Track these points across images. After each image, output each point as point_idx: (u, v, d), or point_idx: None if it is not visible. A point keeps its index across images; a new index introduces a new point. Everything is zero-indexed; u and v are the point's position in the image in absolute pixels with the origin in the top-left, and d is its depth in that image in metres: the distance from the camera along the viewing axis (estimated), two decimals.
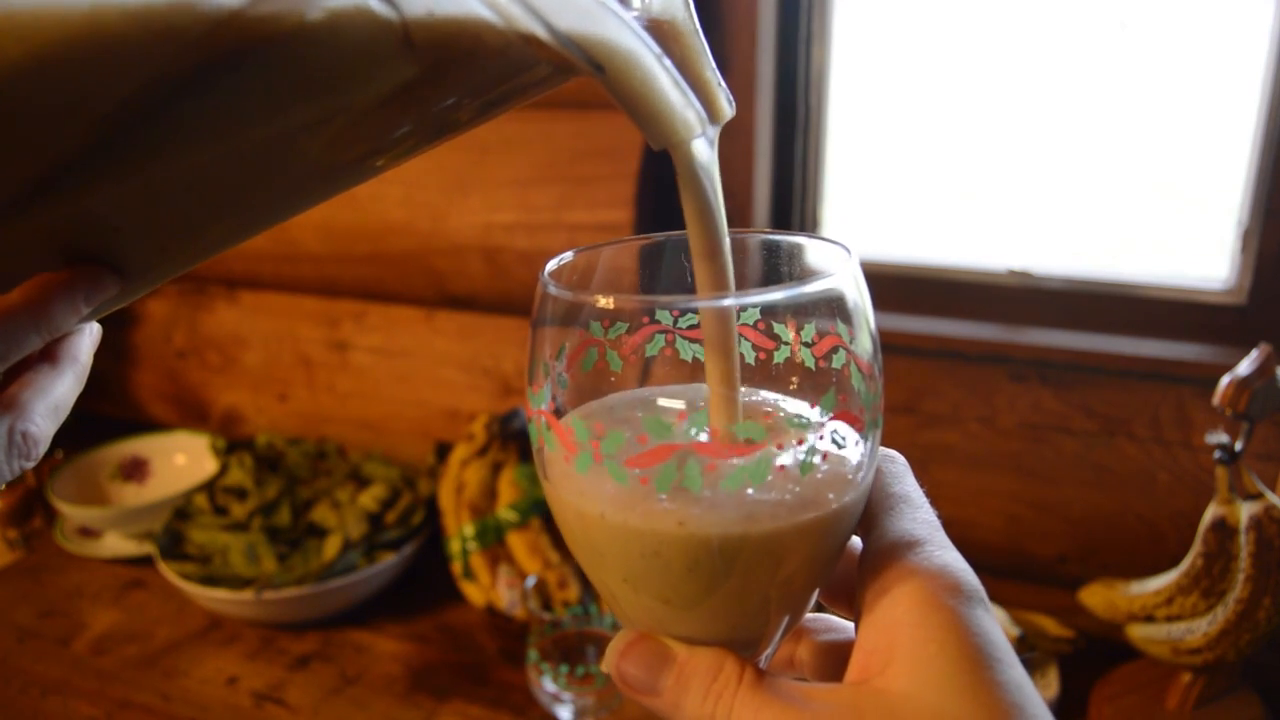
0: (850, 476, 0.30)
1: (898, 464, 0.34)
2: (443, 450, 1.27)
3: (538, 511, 1.12)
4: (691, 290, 0.33)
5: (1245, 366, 0.82)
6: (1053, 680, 0.92)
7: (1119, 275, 1.10)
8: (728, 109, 0.33)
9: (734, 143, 1.16)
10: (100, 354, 0.40)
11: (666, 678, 0.31)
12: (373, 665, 1.03)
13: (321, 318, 1.42)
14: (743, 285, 0.35)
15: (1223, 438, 0.84)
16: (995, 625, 0.28)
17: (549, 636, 0.93)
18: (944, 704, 0.26)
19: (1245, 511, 0.83)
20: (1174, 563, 0.90)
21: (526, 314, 1.28)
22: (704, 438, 0.28)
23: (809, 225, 1.23)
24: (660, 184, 1.15)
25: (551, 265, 0.33)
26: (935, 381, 1.12)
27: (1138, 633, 0.89)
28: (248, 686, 1.00)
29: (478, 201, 1.24)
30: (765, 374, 0.35)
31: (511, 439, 1.18)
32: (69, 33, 0.25)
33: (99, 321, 0.39)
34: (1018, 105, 1.18)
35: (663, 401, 0.30)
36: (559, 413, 0.32)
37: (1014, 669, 0.27)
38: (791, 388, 0.34)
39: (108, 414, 1.64)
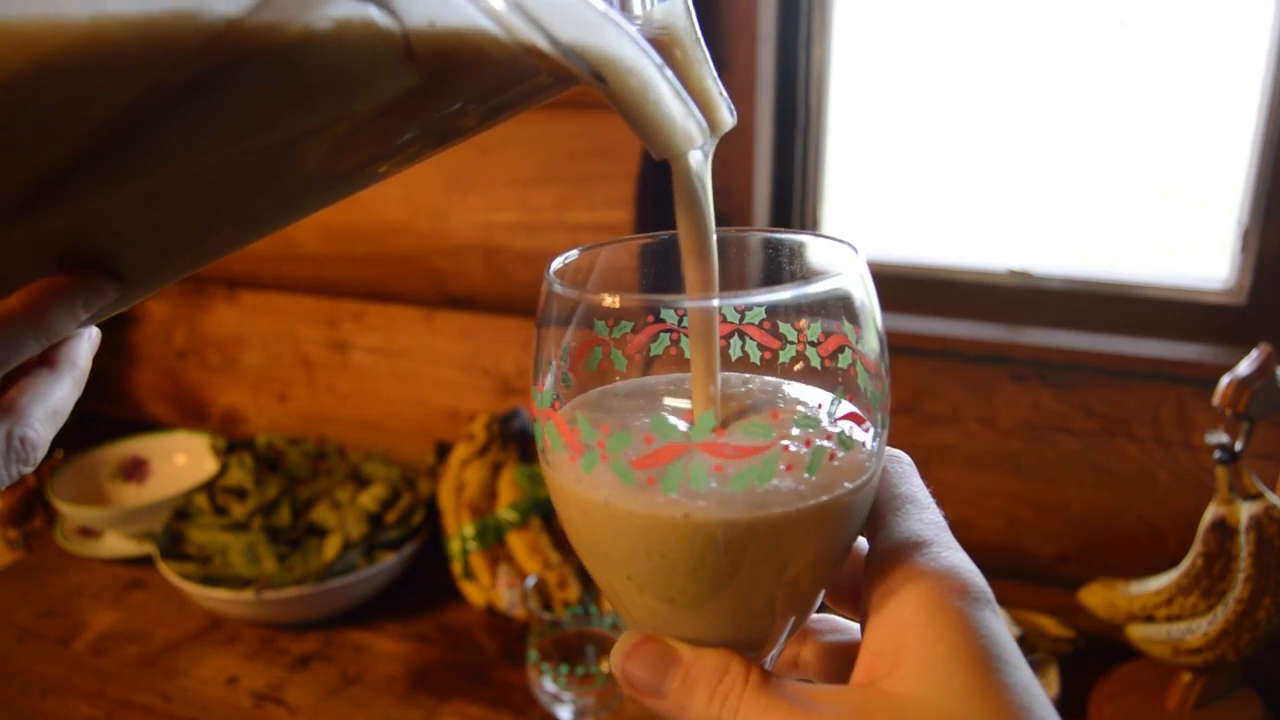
0: (857, 476, 0.30)
1: (904, 464, 0.34)
2: (443, 450, 1.27)
3: (538, 511, 1.12)
4: None
5: (1245, 366, 0.82)
6: (1053, 680, 0.92)
7: (1119, 275, 1.10)
8: (729, 119, 0.33)
9: (734, 143, 1.16)
10: (100, 354, 0.40)
11: (672, 679, 0.31)
12: (373, 665, 1.03)
13: (321, 318, 1.42)
14: (748, 284, 0.35)
15: (1223, 438, 0.84)
16: (1003, 627, 0.28)
17: (549, 636, 0.93)
18: (951, 706, 0.26)
19: (1245, 511, 0.83)
20: (1174, 563, 0.90)
21: (527, 314, 1.29)
22: (711, 438, 0.28)
23: (809, 225, 1.23)
24: (660, 184, 1.15)
25: (556, 264, 0.33)
26: (935, 381, 1.12)
27: (1138, 633, 0.89)
28: (248, 686, 1.00)
29: (478, 201, 1.24)
30: (770, 374, 0.35)
31: (511, 439, 1.18)
32: (69, 41, 0.25)
33: (98, 325, 0.39)
34: (1018, 105, 1.18)
35: (668, 400, 0.30)
36: (562, 412, 0.32)
37: (1021, 671, 0.27)
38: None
39: (108, 414, 1.64)
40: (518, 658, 1.03)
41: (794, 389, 0.33)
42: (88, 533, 1.30)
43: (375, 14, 0.27)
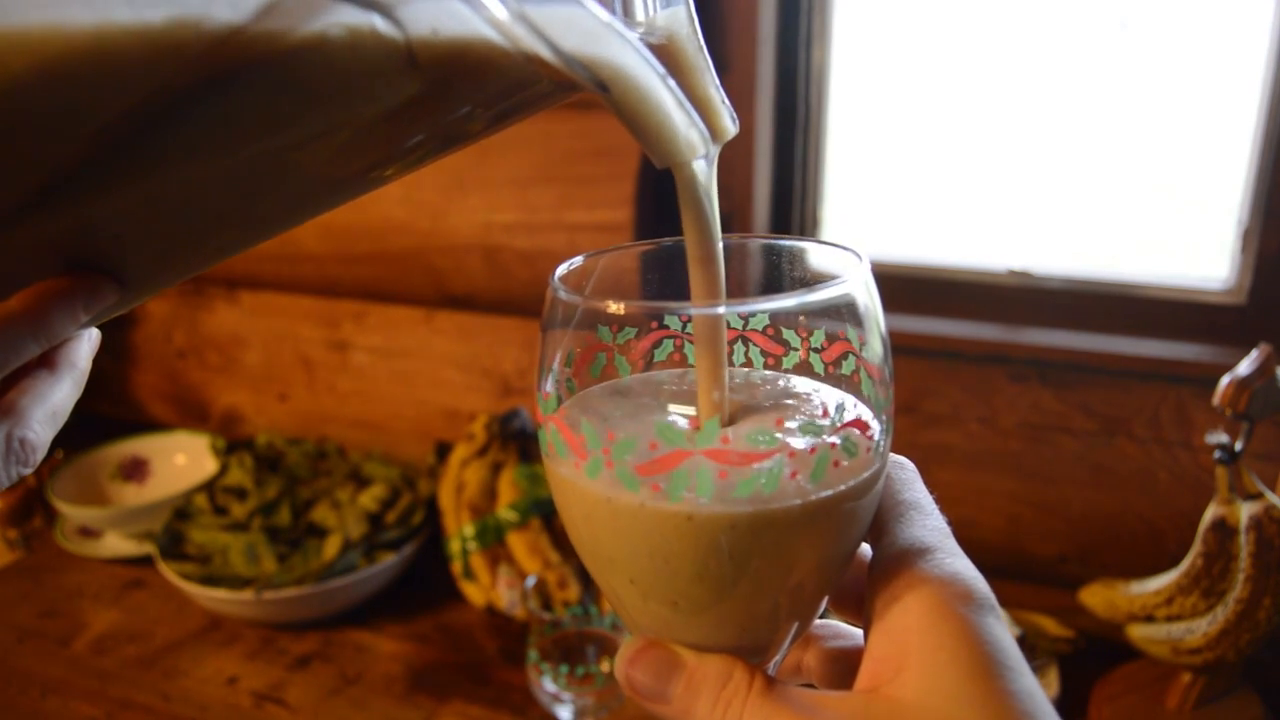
0: (861, 483, 0.30)
1: (907, 470, 0.34)
2: (443, 450, 1.27)
3: (538, 511, 1.12)
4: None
5: (1245, 366, 0.82)
6: (1053, 680, 0.92)
7: (1119, 275, 1.10)
8: (731, 127, 0.33)
9: (734, 143, 1.15)
10: (100, 354, 0.40)
11: (676, 685, 0.31)
12: (373, 665, 1.03)
13: (321, 318, 1.42)
14: (752, 290, 0.35)
15: (1223, 438, 0.84)
16: (1007, 633, 0.28)
17: (549, 636, 0.93)
18: (955, 712, 0.26)
19: (1245, 511, 0.83)
20: (1174, 563, 0.90)
21: (527, 314, 1.29)
22: (716, 444, 0.28)
23: (809, 225, 1.23)
24: (660, 184, 1.15)
25: (561, 270, 0.33)
26: (935, 381, 1.12)
27: (1138, 633, 0.89)
28: (248, 686, 1.00)
29: (478, 201, 1.24)
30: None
31: (511, 439, 1.18)
32: (72, 47, 0.25)
33: (98, 326, 0.39)
34: (1018, 105, 1.18)
35: (673, 405, 0.30)
36: (567, 417, 0.32)
37: (1025, 677, 0.27)
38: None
39: (108, 414, 1.64)
40: (518, 658, 1.03)
41: (799, 387, 0.33)
42: (88, 533, 1.30)
43: (379, 22, 0.27)
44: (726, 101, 0.33)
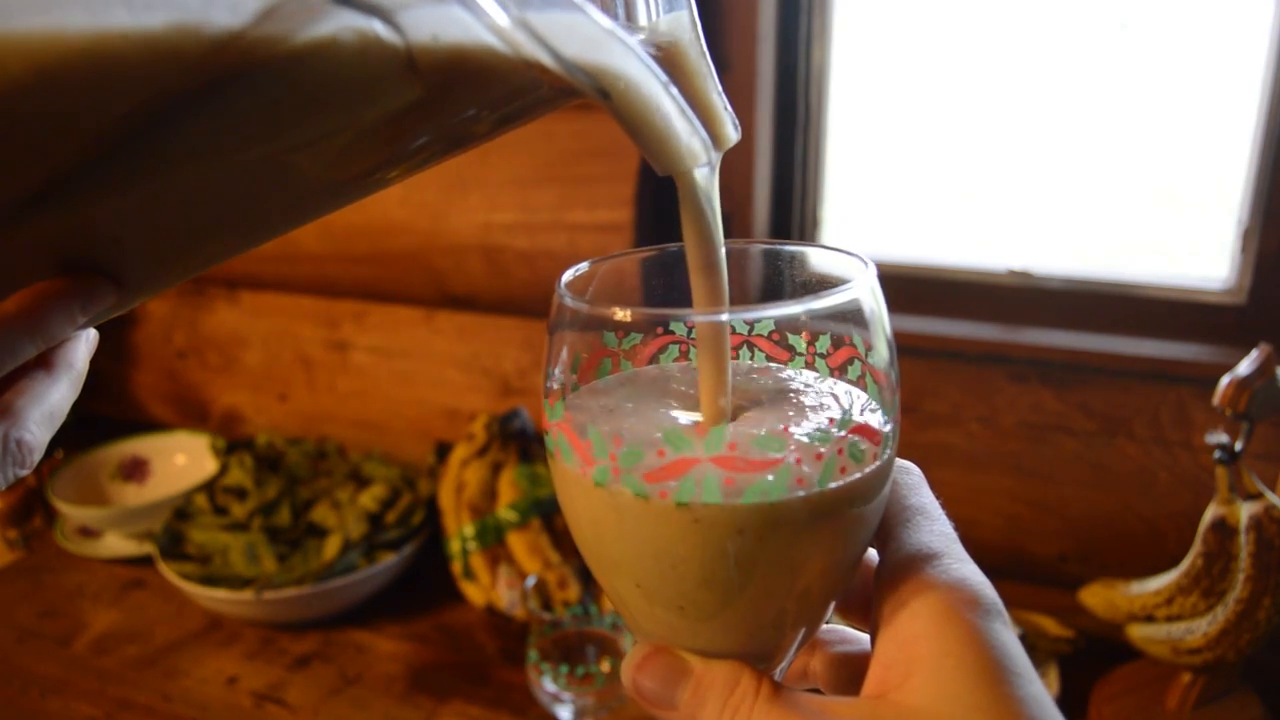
0: (868, 488, 0.30)
1: (913, 475, 0.34)
2: (443, 450, 1.27)
3: (538, 511, 1.12)
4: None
5: (1245, 366, 0.82)
6: (1053, 680, 0.92)
7: (1119, 275, 1.10)
8: (733, 134, 0.33)
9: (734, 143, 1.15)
10: (100, 354, 0.40)
11: (683, 691, 0.31)
12: (373, 665, 1.03)
13: (321, 318, 1.42)
14: (757, 294, 0.35)
15: (1223, 438, 0.84)
16: (1014, 639, 0.28)
17: (549, 636, 0.93)
18: (963, 718, 0.26)
19: (1245, 511, 0.83)
20: (1174, 563, 0.90)
21: (527, 314, 1.29)
22: (723, 451, 0.28)
23: (809, 225, 1.23)
24: (660, 184, 1.15)
25: (567, 276, 0.33)
26: (935, 381, 1.12)
27: (1138, 633, 0.89)
28: (248, 686, 1.00)
29: (478, 201, 1.24)
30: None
31: (511, 439, 1.18)
32: (70, 51, 0.25)
33: (96, 327, 0.39)
34: (1018, 106, 1.18)
35: (679, 413, 0.30)
36: (574, 423, 0.32)
37: (1033, 684, 0.27)
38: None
39: (108, 414, 1.64)
40: (518, 658, 1.03)
41: (805, 390, 0.33)
42: (88, 533, 1.30)
43: (379, 28, 0.27)
44: (729, 108, 0.33)
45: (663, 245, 0.35)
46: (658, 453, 0.29)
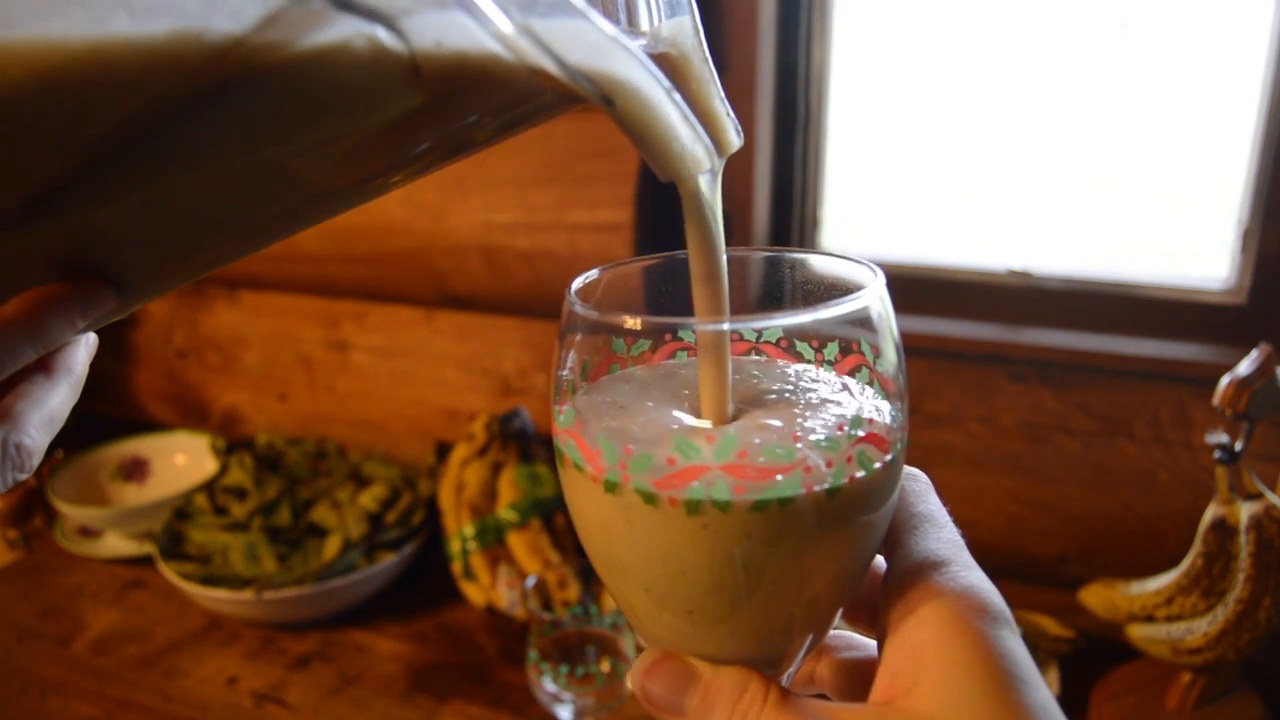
0: (876, 495, 0.30)
1: (920, 483, 0.34)
2: (443, 450, 1.27)
3: (538, 511, 1.12)
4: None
5: (1245, 366, 0.82)
6: (1053, 680, 0.92)
7: (1119, 275, 1.10)
8: (736, 140, 0.33)
9: None
10: (100, 354, 0.40)
11: (691, 697, 0.31)
12: (373, 665, 1.03)
13: (321, 318, 1.42)
14: (765, 300, 0.35)
15: (1223, 438, 0.84)
16: (1021, 646, 0.28)
17: (549, 636, 0.93)
18: None
19: (1245, 511, 0.83)
20: (1174, 563, 0.90)
21: (527, 314, 1.29)
22: (733, 459, 0.28)
23: (809, 225, 1.23)
24: (660, 184, 1.15)
25: (577, 284, 0.33)
26: (935, 381, 1.12)
27: (1138, 633, 0.89)
28: (248, 686, 1.00)
29: (478, 201, 1.24)
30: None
31: (511, 439, 1.18)
32: (72, 58, 0.24)
33: (95, 331, 0.39)
34: (1018, 106, 1.18)
35: (689, 420, 0.30)
36: (583, 431, 0.32)
37: (1039, 691, 0.27)
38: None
39: (108, 414, 1.64)
40: (518, 658, 1.03)
41: (815, 395, 0.33)
42: (88, 533, 1.30)
43: (381, 34, 0.27)
44: (732, 114, 0.33)
45: (671, 253, 0.35)
46: (668, 460, 0.29)
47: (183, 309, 1.54)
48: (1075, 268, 1.12)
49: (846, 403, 0.31)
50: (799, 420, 0.30)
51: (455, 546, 1.13)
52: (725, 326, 0.32)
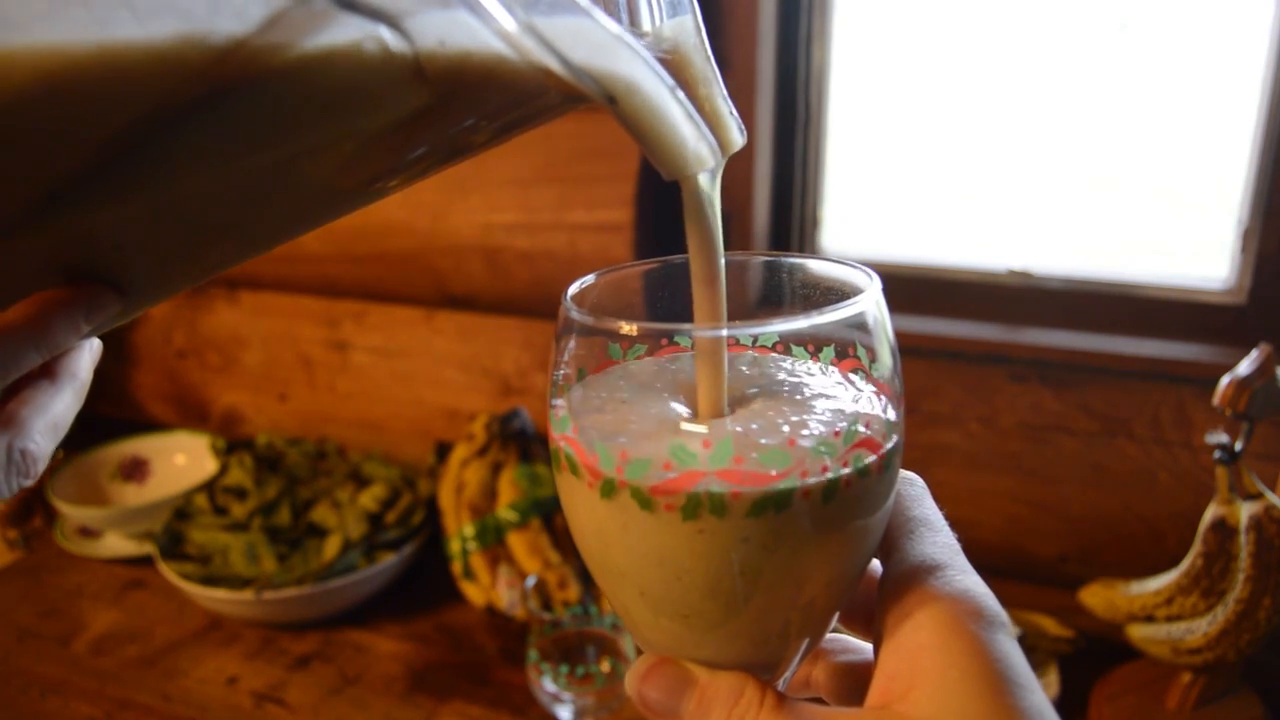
0: (872, 500, 0.30)
1: (917, 487, 0.34)
2: (443, 450, 1.27)
3: (538, 511, 1.12)
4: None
5: (1245, 366, 0.82)
6: (1053, 680, 0.92)
7: (1119, 275, 1.10)
8: (739, 139, 0.33)
9: None
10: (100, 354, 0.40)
11: (688, 702, 0.31)
12: (373, 665, 1.03)
13: (321, 318, 1.42)
14: (760, 304, 0.35)
15: (1223, 438, 0.84)
16: (1017, 650, 0.28)
17: (549, 636, 0.93)
18: None
19: (1245, 511, 0.83)
20: (1174, 563, 0.90)
21: (527, 314, 1.29)
22: (729, 465, 0.28)
23: (809, 225, 1.23)
24: (660, 184, 1.15)
25: (573, 289, 0.33)
26: (935, 381, 1.12)
27: (1138, 633, 0.89)
28: (248, 686, 1.00)
29: (478, 201, 1.24)
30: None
31: (511, 439, 1.18)
32: (75, 60, 0.24)
33: (99, 336, 0.39)
34: (1018, 106, 1.18)
35: (685, 426, 0.31)
36: (580, 436, 0.32)
37: (1035, 694, 0.28)
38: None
39: (108, 414, 1.64)
40: (518, 658, 1.03)
41: (811, 397, 0.33)
42: (88, 533, 1.30)
43: (385, 34, 0.27)
44: (734, 112, 0.33)
45: (667, 257, 0.35)
46: (664, 465, 0.29)
47: (183, 309, 1.54)
48: (1075, 268, 1.12)
49: (843, 407, 0.31)
50: (795, 425, 0.30)
51: (455, 546, 1.13)
52: (722, 333, 0.32)
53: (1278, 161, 0.99)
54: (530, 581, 0.99)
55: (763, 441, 0.29)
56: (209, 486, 1.24)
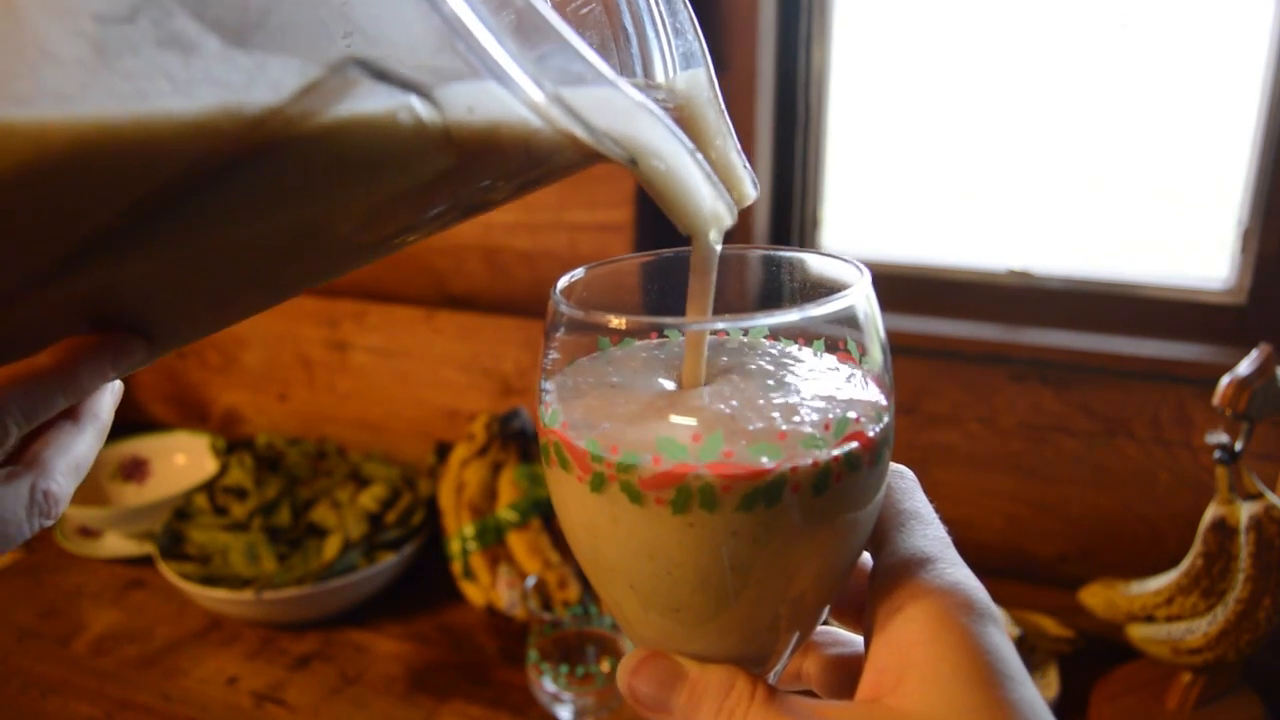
0: (862, 493, 0.30)
1: (907, 480, 0.34)
2: (443, 450, 1.27)
3: (538, 511, 1.12)
4: None
5: (1245, 366, 0.82)
6: (1053, 680, 0.92)
7: (1119, 275, 1.10)
8: (751, 191, 0.33)
9: None
10: None
11: (678, 695, 0.31)
12: (373, 665, 1.03)
13: (321, 318, 1.42)
14: (752, 299, 0.35)
15: (1223, 438, 0.84)
16: (1008, 643, 0.28)
17: (549, 636, 0.93)
18: None
19: (1245, 511, 0.83)
20: (1174, 563, 0.90)
21: (527, 314, 1.29)
22: (719, 459, 0.28)
23: (809, 225, 1.23)
24: None
25: (562, 283, 0.33)
26: (935, 381, 1.12)
27: (1138, 633, 0.89)
28: (248, 686, 1.00)
29: None
30: None
31: (511, 439, 1.18)
32: (112, 130, 0.25)
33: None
34: (1018, 106, 1.18)
35: (675, 418, 0.31)
36: (569, 429, 0.32)
37: (1025, 687, 0.28)
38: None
39: None
40: (518, 658, 1.03)
41: (801, 390, 0.33)
42: (88, 533, 1.30)
43: (416, 104, 0.27)
44: (748, 165, 0.33)
45: (658, 250, 0.35)
46: (654, 459, 0.29)
47: None
48: (1075, 268, 1.12)
49: (833, 400, 0.31)
50: (785, 414, 0.30)
51: (455, 546, 1.13)
52: (710, 325, 0.32)
53: (1278, 161, 0.99)
54: (530, 581, 0.99)
55: (752, 428, 0.29)
56: (209, 486, 1.24)
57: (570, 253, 1.20)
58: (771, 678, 0.34)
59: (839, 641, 0.36)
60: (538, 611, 0.93)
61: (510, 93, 0.25)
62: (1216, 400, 0.82)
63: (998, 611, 0.29)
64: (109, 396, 0.39)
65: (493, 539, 1.12)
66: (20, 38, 0.24)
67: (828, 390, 0.32)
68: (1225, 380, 0.82)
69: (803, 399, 0.31)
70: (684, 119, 0.33)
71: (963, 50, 1.18)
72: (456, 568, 1.13)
